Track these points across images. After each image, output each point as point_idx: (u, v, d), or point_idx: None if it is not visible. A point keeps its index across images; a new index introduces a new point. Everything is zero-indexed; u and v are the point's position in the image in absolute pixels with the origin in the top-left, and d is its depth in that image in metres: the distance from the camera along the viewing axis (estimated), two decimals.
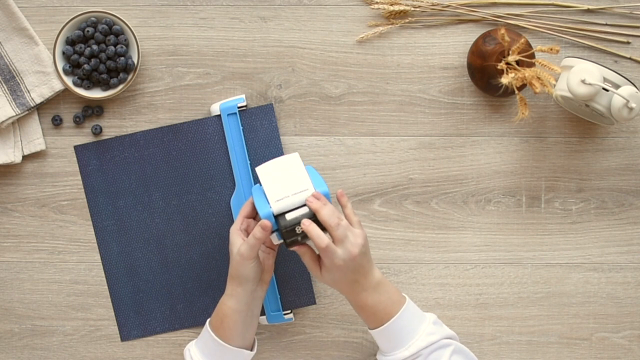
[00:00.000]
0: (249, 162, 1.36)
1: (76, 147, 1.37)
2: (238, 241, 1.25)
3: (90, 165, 1.37)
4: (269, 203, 1.22)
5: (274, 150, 1.37)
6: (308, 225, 1.20)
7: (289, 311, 1.37)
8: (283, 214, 1.22)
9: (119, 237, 1.38)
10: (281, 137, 1.38)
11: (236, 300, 1.25)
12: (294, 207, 1.22)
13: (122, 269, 1.38)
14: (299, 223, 1.21)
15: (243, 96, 1.36)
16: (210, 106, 1.37)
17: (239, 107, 1.36)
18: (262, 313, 1.37)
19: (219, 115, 1.36)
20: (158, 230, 1.38)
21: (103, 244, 1.38)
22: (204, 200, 1.37)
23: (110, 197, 1.38)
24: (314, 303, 1.38)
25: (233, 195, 1.36)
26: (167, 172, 1.37)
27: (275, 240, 1.24)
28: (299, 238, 1.21)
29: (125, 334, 1.39)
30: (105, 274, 1.38)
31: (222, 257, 1.37)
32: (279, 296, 1.37)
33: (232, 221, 1.37)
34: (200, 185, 1.37)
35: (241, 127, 1.36)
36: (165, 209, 1.38)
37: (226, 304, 1.26)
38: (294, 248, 1.22)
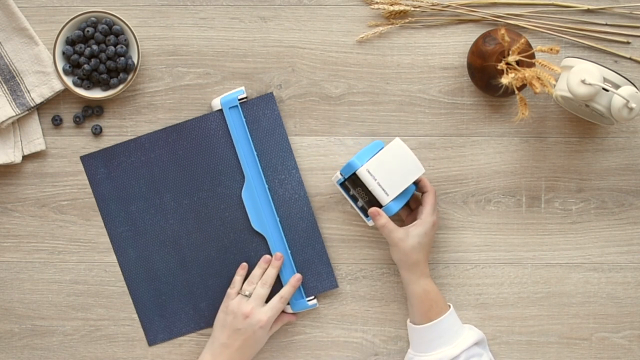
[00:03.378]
0: (255, 152, 1.36)
1: (82, 158, 1.37)
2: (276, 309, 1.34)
3: (99, 174, 1.38)
4: (364, 164, 1.29)
5: (279, 138, 1.36)
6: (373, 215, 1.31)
7: (312, 297, 1.37)
8: (359, 181, 1.30)
9: (134, 242, 1.38)
10: None
11: None
12: (368, 188, 1.30)
13: (142, 274, 1.38)
14: (355, 196, 1.33)
15: (243, 88, 1.36)
16: (211, 101, 1.37)
17: (239, 100, 1.36)
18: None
19: (221, 110, 1.36)
20: (173, 231, 1.38)
21: (120, 251, 1.38)
22: (215, 196, 1.37)
23: (122, 204, 1.38)
24: (336, 286, 1.38)
25: (243, 188, 1.36)
26: (175, 172, 1.37)
27: (337, 178, 1.32)
28: (349, 194, 1.33)
29: (152, 338, 1.39)
30: (125, 280, 1.38)
31: (239, 250, 1.37)
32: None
33: (245, 214, 1.36)
34: (210, 182, 1.37)
35: (244, 119, 1.36)
36: (178, 209, 1.38)
37: None
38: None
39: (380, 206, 1.31)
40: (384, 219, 1.30)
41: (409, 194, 1.32)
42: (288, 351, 1.40)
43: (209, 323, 1.38)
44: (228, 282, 1.37)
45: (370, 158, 1.30)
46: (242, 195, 1.37)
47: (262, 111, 1.37)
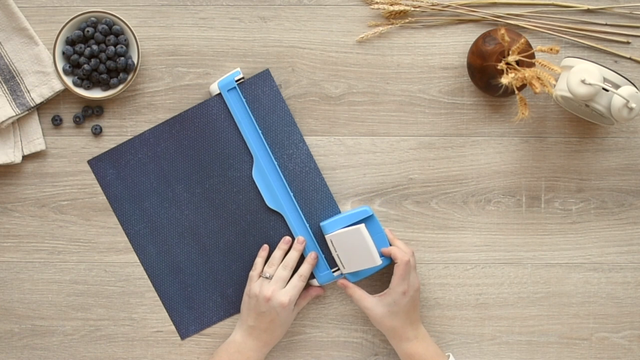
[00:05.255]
0: (260, 131, 1.36)
1: (90, 162, 1.37)
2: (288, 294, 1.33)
3: (108, 175, 1.38)
4: (330, 232, 1.34)
5: (282, 113, 1.36)
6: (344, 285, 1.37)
7: (336, 268, 1.37)
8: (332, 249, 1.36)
9: (153, 238, 1.38)
10: None
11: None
12: (336, 254, 1.35)
13: (165, 269, 1.38)
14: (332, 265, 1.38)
15: (239, 69, 1.36)
16: (209, 87, 1.37)
17: (236, 81, 1.35)
18: (311, 276, 1.37)
19: (220, 94, 1.36)
20: (189, 221, 1.38)
21: (139, 249, 1.38)
22: (227, 181, 1.37)
23: (135, 202, 1.38)
24: None
25: (253, 168, 1.36)
26: (183, 162, 1.37)
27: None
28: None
29: (184, 332, 1.39)
30: (148, 277, 1.38)
31: (258, 231, 1.37)
32: (323, 255, 1.37)
33: (258, 194, 1.36)
34: (219, 167, 1.37)
35: (244, 99, 1.36)
36: (191, 199, 1.38)
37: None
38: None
39: None
40: (350, 289, 1.35)
41: (370, 271, 1.34)
42: (288, 351, 1.40)
43: (238, 309, 1.38)
44: (251, 265, 1.37)
45: (339, 229, 1.33)
46: (253, 176, 1.37)
47: (260, 89, 1.37)
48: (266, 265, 1.35)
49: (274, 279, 1.33)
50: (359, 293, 1.34)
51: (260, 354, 1.34)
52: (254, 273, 1.35)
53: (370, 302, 1.33)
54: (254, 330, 1.33)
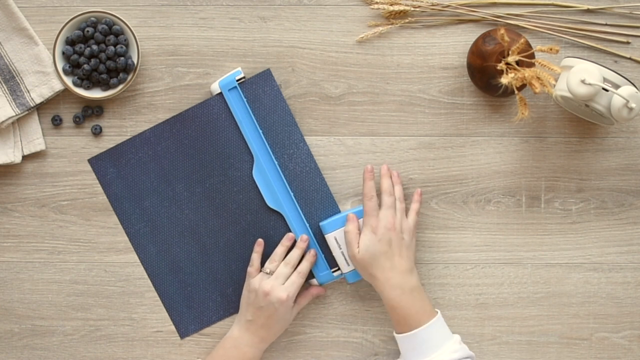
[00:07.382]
0: (260, 131, 1.36)
1: (90, 160, 1.38)
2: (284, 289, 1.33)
3: (108, 174, 1.38)
4: (333, 230, 1.34)
5: (282, 113, 1.36)
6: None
7: (336, 268, 1.37)
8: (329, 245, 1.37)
9: (153, 238, 1.38)
10: None
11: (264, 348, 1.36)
12: (332, 253, 1.36)
13: (165, 268, 1.38)
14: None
15: (239, 69, 1.36)
16: (210, 86, 1.37)
17: (237, 80, 1.36)
18: (311, 276, 1.37)
19: (221, 93, 1.36)
20: (189, 221, 1.38)
21: (139, 248, 1.38)
22: (227, 180, 1.37)
23: (135, 201, 1.38)
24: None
25: (254, 168, 1.36)
26: (184, 162, 1.37)
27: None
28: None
29: (183, 331, 1.39)
30: (148, 276, 1.38)
31: (258, 231, 1.37)
32: (322, 255, 1.37)
33: (259, 194, 1.37)
34: (220, 166, 1.37)
35: (244, 99, 1.36)
36: (191, 198, 1.38)
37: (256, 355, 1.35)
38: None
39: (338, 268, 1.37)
40: (352, 225, 1.32)
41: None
42: (288, 351, 1.40)
43: (238, 308, 1.37)
44: None
45: (338, 228, 1.34)
46: (253, 175, 1.37)
47: (261, 88, 1.37)
48: (267, 261, 1.35)
49: (274, 275, 1.33)
50: (352, 236, 1.32)
51: (257, 349, 1.34)
52: (251, 269, 1.35)
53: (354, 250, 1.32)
54: (252, 325, 1.33)
